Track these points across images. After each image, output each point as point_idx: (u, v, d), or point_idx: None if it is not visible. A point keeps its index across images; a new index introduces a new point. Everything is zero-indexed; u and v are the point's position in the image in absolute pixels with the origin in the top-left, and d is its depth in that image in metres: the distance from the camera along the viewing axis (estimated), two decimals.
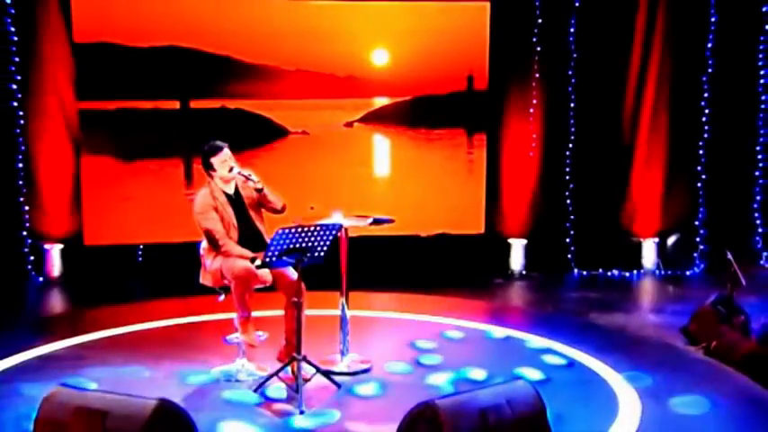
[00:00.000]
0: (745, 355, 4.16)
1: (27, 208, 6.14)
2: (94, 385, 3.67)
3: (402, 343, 4.68)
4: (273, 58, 6.54)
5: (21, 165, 6.08)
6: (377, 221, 4.23)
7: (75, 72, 6.14)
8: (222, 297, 3.99)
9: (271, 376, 3.76)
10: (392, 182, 6.93)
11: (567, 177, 6.81)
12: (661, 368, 4.18)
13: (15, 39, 5.93)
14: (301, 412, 3.43)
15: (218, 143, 3.95)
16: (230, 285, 3.82)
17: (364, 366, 4.20)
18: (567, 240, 6.80)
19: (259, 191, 3.91)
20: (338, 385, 3.83)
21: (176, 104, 6.48)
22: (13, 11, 5.87)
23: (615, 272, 6.76)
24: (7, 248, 6.11)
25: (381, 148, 6.91)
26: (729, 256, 5.09)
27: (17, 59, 5.95)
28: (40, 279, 6.22)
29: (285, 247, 3.47)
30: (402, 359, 4.37)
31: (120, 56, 6.24)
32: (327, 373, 3.90)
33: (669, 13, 6.60)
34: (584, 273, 6.76)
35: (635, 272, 6.77)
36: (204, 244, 3.96)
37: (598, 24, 6.61)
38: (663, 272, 6.82)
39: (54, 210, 6.26)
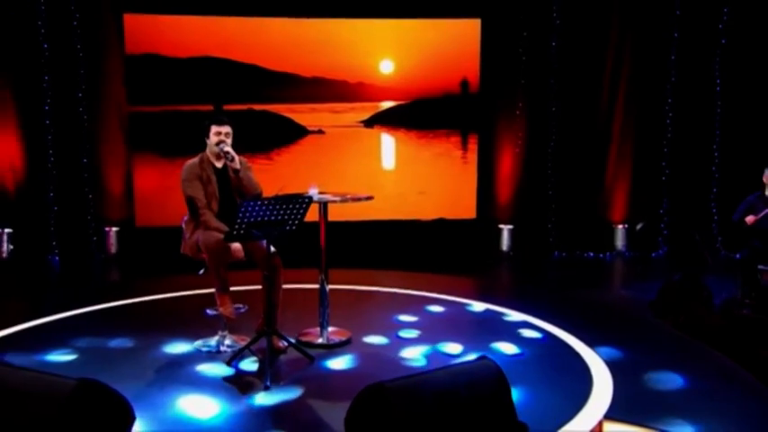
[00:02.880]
0: (711, 328, 4.26)
1: (91, 196, 6.70)
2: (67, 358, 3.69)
3: (387, 316, 4.58)
4: (294, 67, 6.96)
5: (85, 160, 6.66)
6: (355, 199, 4.06)
7: (126, 80, 6.66)
8: (202, 271, 3.80)
9: (242, 349, 3.62)
10: (397, 174, 7.32)
11: (549, 171, 7.12)
12: (631, 340, 4.13)
13: (81, 55, 6.49)
14: (266, 387, 3.25)
15: (224, 118, 3.82)
16: (205, 258, 3.65)
17: (342, 339, 4.02)
18: (549, 225, 7.19)
19: (236, 172, 3.73)
20: (311, 358, 3.66)
21: (211, 107, 6.87)
22: (79, 32, 6.44)
23: (590, 253, 7.13)
24: (75, 230, 6.68)
25: (387, 145, 7.30)
26: (697, 237, 5.25)
27: (82, 72, 6.53)
28: (101, 255, 6.80)
29: (253, 219, 3.28)
30: (384, 333, 4.22)
31: (163, 65, 6.72)
32: (300, 347, 3.75)
33: (637, 30, 6.91)
34: (564, 253, 7.14)
35: (607, 253, 7.13)
36: (186, 216, 3.83)
37: (576, 38, 6.92)
38: (631, 253, 7.15)
39: (112, 197, 6.80)
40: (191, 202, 3.74)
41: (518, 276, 6.70)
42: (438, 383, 1.81)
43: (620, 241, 7.24)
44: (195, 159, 3.81)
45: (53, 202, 6.66)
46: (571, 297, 5.43)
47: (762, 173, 5.10)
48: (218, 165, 3.83)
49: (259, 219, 3.29)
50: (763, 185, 5.11)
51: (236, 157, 3.71)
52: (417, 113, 7.24)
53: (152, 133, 6.84)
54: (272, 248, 3.61)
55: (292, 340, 3.84)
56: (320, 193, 3.93)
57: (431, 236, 7.23)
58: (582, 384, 3.39)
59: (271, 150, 7.08)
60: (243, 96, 6.95)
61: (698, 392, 3.36)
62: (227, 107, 6.93)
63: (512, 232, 7.33)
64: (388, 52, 7.13)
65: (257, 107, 7.00)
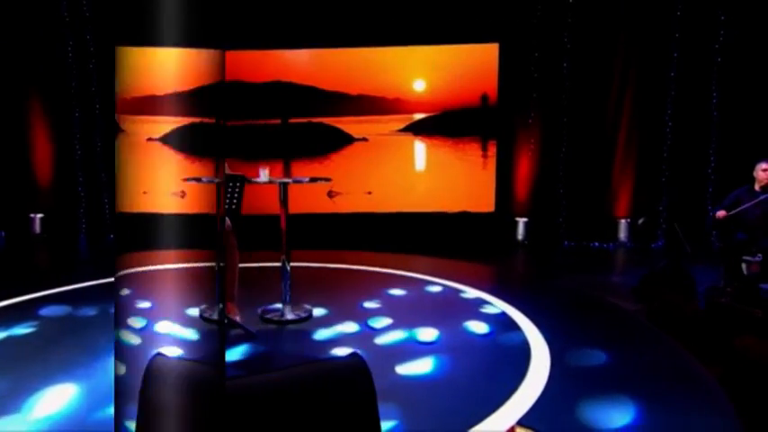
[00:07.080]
0: (685, 315, 4.25)
1: None
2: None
3: (372, 297, 4.59)
4: (343, 86, 8.01)
5: None
6: (313, 180, 4.15)
7: None
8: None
9: None
10: (428, 174, 8.16)
11: (560, 172, 7.72)
12: (597, 334, 3.94)
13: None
14: None
15: None
16: None
17: (301, 316, 3.98)
18: (560, 219, 7.78)
19: None
20: (253, 335, 3.52)
21: (278, 121, 8.01)
22: None
23: (596, 243, 7.71)
24: None
25: (420, 150, 8.16)
26: (676, 226, 5.46)
27: None
28: None
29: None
30: (352, 313, 4.15)
31: (241, 88, 7.90)
32: (241, 324, 3.63)
33: (641, 48, 7.39)
34: (572, 243, 7.76)
35: (611, 243, 7.69)
36: None
37: (585, 57, 7.49)
38: (632, 244, 7.70)
39: None
40: None
41: (524, 263, 7.11)
42: (287, 383, 1.48)
43: (622, 233, 7.78)
44: None
45: None
46: (559, 284, 5.53)
47: (752, 168, 5.22)
48: None
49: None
50: (752, 179, 5.17)
51: None
52: (445, 123, 8.05)
53: (236, 142, 8.10)
54: (229, 227, 3.61)
55: (233, 319, 3.66)
56: (270, 175, 3.97)
57: (455, 226, 8.03)
58: (513, 382, 3.09)
59: (325, 155, 8.37)
60: (303, 111, 8.08)
61: (643, 401, 2.94)
62: (291, 121, 8.14)
63: (526, 224, 7.99)
64: (421, 73, 8.03)
65: (314, 120, 8.07)
